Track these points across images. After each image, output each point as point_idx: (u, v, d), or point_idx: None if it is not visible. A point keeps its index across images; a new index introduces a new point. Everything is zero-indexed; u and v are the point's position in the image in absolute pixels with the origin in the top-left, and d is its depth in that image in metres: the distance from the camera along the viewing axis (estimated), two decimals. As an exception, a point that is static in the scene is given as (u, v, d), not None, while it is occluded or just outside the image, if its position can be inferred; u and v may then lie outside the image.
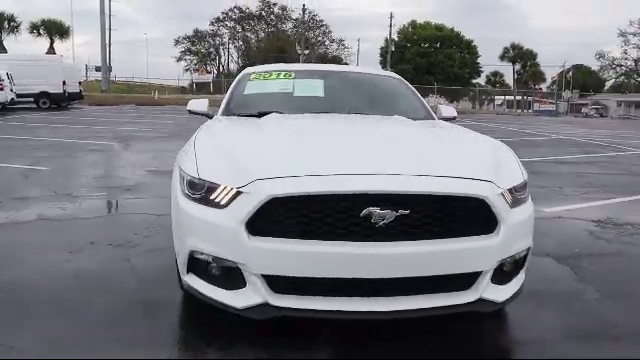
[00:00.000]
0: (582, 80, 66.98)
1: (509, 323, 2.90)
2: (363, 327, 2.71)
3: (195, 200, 2.46)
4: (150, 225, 4.39)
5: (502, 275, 2.54)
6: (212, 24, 71.90)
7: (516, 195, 2.57)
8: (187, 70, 73.26)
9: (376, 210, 2.24)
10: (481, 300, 2.45)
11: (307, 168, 2.35)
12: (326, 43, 64.90)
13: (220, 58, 76.60)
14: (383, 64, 53.04)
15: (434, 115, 4.15)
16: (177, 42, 73.25)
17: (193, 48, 73.51)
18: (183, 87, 64.75)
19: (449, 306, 2.40)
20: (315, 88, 4.11)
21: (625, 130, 24.45)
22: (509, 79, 69.27)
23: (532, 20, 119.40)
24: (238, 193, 2.31)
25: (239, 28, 73.10)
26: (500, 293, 2.52)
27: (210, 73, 62.34)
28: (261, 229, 2.27)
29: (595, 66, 67.03)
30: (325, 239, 2.26)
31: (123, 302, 2.94)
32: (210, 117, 3.97)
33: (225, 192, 2.35)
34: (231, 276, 2.37)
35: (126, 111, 24.36)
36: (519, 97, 58.53)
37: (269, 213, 2.25)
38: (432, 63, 52.08)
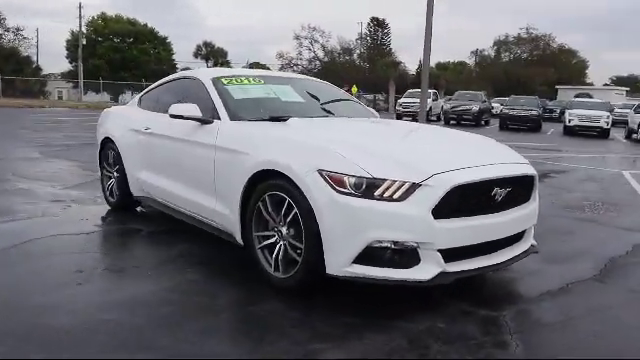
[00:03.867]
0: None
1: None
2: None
3: (367, 197, 2.82)
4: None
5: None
6: None
7: None
8: None
9: (497, 189, 3.10)
10: (532, 246, 3.55)
11: (453, 163, 3.03)
12: None
13: None
14: (72, 58, 48.76)
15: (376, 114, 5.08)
16: None
17: None
18: None
19: (521, 253, 3.40)
20: (292, 94, 4.47)
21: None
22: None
23: (215, 18, 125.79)
24: (417, 186, 2.82)
25: None
26: (532, 239, 3.65)
27: None
28: (438, 212, 2.85)
29: (276, 65, 75.28)
30: (479, 214, 3.01)
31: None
32: (205, 121, 3.85)
33: (400, 186, 2.82)
34: (406, 257, 2.86)
35: None
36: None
37: (445, 200, 2.85)
38: (127, 59, 50.47)
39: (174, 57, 59.29)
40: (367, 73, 52.58)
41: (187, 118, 3.90)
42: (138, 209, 5.26)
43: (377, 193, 2.82)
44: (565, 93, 43.78)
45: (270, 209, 3.21)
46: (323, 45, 63.22)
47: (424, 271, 2.86)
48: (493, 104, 33.08)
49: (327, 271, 2.92)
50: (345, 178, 2.86)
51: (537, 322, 2.98)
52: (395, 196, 2.82)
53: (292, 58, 63.70)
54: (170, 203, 4.34)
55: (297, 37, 61.64)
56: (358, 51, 63.89)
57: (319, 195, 2.89)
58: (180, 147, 4.10)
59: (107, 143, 5.23)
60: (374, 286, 2.94)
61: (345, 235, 2.84)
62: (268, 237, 3.28)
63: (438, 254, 2.87)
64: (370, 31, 65.46)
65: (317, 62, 63.53)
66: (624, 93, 43.36)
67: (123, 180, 4.92)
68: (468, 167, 3.05)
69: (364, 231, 2.81)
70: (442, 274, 2.89)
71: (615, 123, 22.88)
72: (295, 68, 66.64)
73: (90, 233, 4.39)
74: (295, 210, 3.03)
